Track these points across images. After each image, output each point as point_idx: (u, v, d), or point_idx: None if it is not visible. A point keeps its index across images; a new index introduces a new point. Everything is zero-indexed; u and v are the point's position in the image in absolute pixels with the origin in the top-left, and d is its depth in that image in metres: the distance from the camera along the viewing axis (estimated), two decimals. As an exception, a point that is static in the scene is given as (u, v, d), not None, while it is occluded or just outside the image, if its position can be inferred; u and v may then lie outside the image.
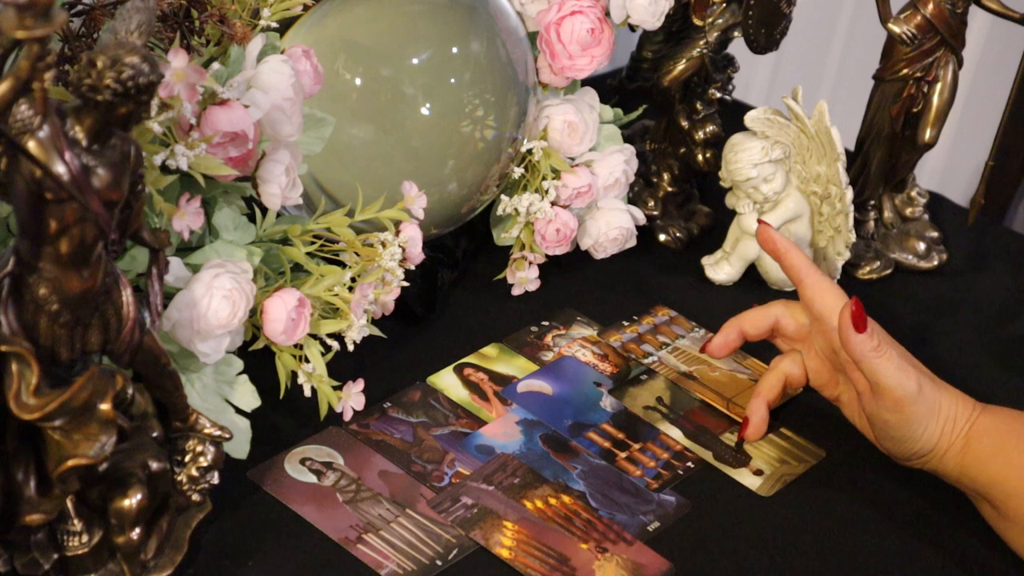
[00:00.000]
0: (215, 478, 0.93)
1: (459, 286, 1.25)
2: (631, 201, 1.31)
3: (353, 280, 1.04)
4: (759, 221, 1.14)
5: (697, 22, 1.28)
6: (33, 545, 0.88)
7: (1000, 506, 1.01)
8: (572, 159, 1.24)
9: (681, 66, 1.29)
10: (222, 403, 1.00)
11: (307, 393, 1.03)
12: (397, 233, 1.07)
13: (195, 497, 0.93)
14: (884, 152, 1.32)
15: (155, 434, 0.92)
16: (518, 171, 1.21)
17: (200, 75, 0.90)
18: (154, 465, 0.90)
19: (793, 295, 1.23)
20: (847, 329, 1.02)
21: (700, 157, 1.33)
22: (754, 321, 1.12)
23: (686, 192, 1.37)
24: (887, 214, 1.36)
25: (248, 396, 1.01)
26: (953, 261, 1.38)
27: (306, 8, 1.07)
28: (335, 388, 1.04)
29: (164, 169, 0.92)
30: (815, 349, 1.10)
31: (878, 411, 1.03)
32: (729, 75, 1.34)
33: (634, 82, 1.47)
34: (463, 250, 1.26)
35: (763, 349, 1.20)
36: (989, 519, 1.03)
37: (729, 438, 1.12)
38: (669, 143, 1.35)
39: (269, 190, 0.99)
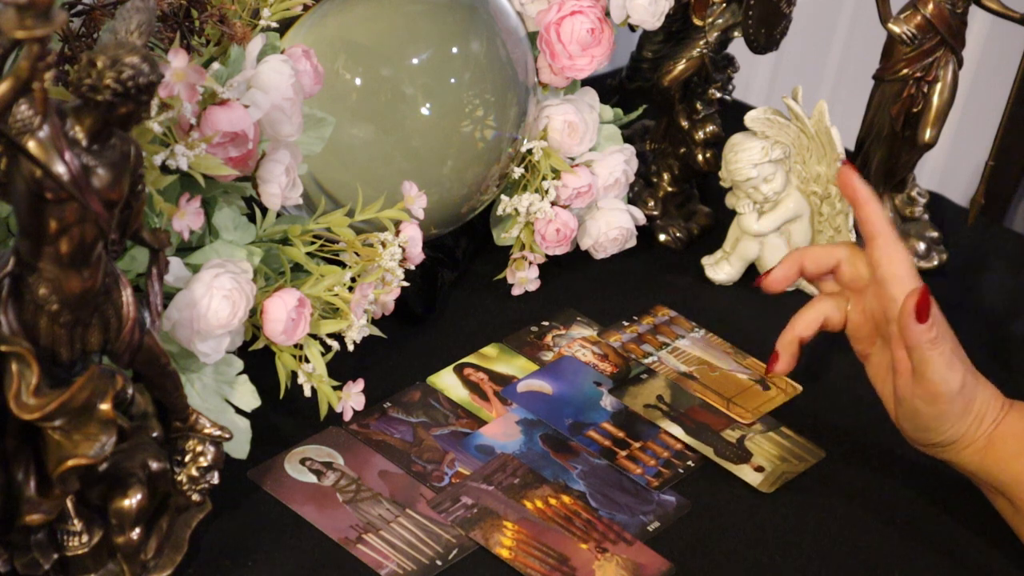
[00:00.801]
0: (215, 478, 0.93)
1: (459, 286, 1.25)
2: (631, 201, 1.31)
3: (353, 280, 1.04)
4: (843, 161, 1.07)
5: (697, 22, 1.28)
6: (33, 545, 0.88)
7: (1019, 504, 1.00)
8: (572, 159, 1.24)
9: (681, 66, 1.29)
10: (222, 403, 1.00)
11: (307, 393, 1.03)
12: (397, 233, 1.07)
13: (195, 497, 0.93)
14: (884, 152, 1.32)
15: (155, 434, 0.92)
16: (518, 171, 1.21)
17: (200, 75, 0.90)
18: (154, 465, 0.90)
19: (792, 296, 1.23)
20: (909, 316, 0.98)
21: (700, 157, 1.33)
22: (816, 257, 1.07)
23: (686, 192, 1.37)
24: (887, 214, 1.36)
25: (248, 396, 1.01)
26: (953, 261, 1.38)
27: (306, 8, 1.07)
28: (335, 388, 1.04)
29: (164, 169, 0.92)
30: (864, 305, 1.06)
31: (912, 398, 1.00)
32: (729, 75, 1.34)
33: (634, 82, 1.47)
34: (463, 250, 1.26)
35: (763, 350, 1.20)
36: (1004, 513, 1.02)
37: (730, 435, 1.12)
38: (669, 143, 1.35)
39: (269, 190, 0.99)
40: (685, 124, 1.33)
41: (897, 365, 1.02)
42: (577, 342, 1.20)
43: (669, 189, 1.36)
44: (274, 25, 1.00)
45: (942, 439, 1.01)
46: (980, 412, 1.01)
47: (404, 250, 1.07)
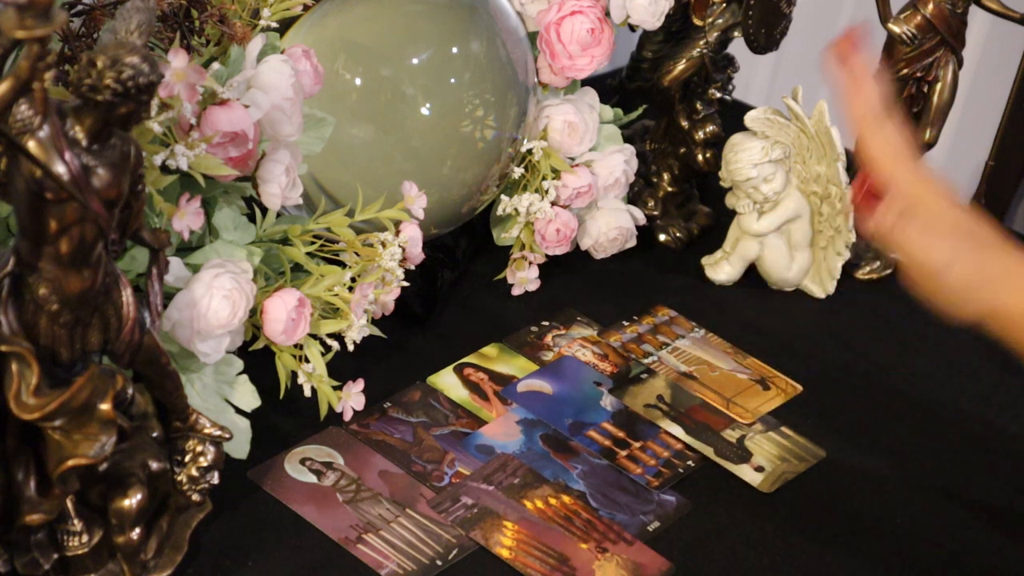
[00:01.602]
0: (215, 478, 0.93)
1: (459, 286, 1.25)
2: (631, 201, 1.31)
3: (353, 280, 1.04)
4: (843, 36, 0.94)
5: (697, 22, 1.28)
6: (33, 545, 0.88)
7: None
8: (572, 159, 1.24)
9: (681, 66, 1.29)
10: (222, 403, 1.00)
11: (307, 393, 1.03)
12: (397, 233, 1.07)
13: (195, 497, 0.93)
14: (884, 152, 1.32)
15: (155, 434, 0.92)
16: (518, 171, 1.21)
17: (200, 75, 0.90)
18: (154, 465, 0.90)
19: (792, 297, 1.23)
20: (858, 214, 0.87)
21: (700, 157, 1.33)
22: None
23: (686, 192, 1.37)
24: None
25: (248, 396, 1.01)
26: (953, 261, 1.38)
27: (306, 8, 1.07)
28: (335, 388, 1.04)
29: (164, 169, 0.92)
30: None
31: (924, 287, 0.88)
32: (729, 75, 1.34)
33: (634, 82, 1.47)
34: (463, 250, 1.26)
35: (764, 349, 1.20)
36: None
37: (730, 435, 1.12)
38: (669, 143, 1.35)
39: (269, 190, 0.99)
40: (685, 124, 1.33)
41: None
42: (577, 342, 1.20)
43: (669, 189, 1.36)
44: (274, 25, 1.00)
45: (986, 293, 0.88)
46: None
47: (404, 250, 1.07)
